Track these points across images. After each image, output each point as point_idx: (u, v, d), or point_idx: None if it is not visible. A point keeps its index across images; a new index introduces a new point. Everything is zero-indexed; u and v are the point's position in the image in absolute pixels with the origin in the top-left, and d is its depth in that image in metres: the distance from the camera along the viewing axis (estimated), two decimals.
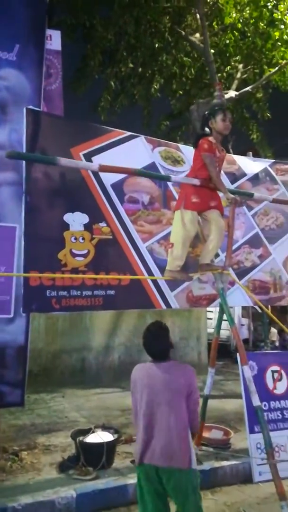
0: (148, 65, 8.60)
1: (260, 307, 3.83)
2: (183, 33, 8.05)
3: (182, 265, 3.57)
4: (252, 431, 3.90)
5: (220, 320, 4.06)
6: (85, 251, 3.45)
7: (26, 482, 3.46)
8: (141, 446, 2.36)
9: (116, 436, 3.96)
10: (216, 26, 8.28)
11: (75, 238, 3.44)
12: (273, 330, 10.21)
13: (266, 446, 2.78)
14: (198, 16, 7.33)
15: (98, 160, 3.71)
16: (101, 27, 7.80)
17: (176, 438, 2.30)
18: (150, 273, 3.67)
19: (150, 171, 3.85)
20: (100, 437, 3.82)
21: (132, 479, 3.52)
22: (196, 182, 3.51)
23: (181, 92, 9.23)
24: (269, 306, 4.79)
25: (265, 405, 4.06)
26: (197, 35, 8.05)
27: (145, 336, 2.52)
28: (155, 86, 8.91)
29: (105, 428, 4.09)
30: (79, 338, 7.56)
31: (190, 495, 2.30)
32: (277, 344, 10.19)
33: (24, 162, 3.35)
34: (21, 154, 3.27)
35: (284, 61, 6.80)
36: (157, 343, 2.49)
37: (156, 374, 2.41)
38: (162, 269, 3.68)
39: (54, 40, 4.14)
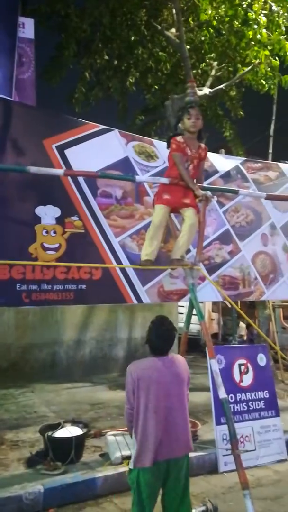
0: (123, 58, 8.52)
1: (229, 302, 3.92)
2: (159, 27, 8.02)
3: (150, 258, 3.54)
4: (218, 422, 4.00)
5: (189, 314, 4.13)
6: (56, 245, 3.42)
7: None
8: (154, 445, 2.33)
9: (85, 430, 3.97)
10: (192, 22, 8.30)
11: (47, 232, 3.40)
12: (242, 325, 10.46)
13: (231, 437, 2.86)
14: (174, 11, 7.32)
15: (71, 153, 3.67)
16: (76, 17, 7.65)
17: (187, 425, 2.47)
18: (122, 267, 3.68)
19: (113, 174, 3.77)
20: (69, 431, 3.82)
21: (100, 473, 3.55)
22: (165, 180, 3.56)
23: (156, 87, 9.21)
24: (239, 301, 4.91)
25: (231, 397, 4.18)
26: (173, 30, 8.04)
27: (159, 332, 2.51)
28: (131, 80, 8.85)
29: (74, 422, 4.09)
30: (50, 332, 7.48)
31: (188, 477, 2.48)
32: (245, 338, 10.45)
33: None
34: None
35: (257, 61, 6.90)
36: (170, 340, 2.55)
37: (165, 369, 2.46)
38: (134, 263, 3.69)
39: (27, 28, 4.05)
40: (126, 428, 2.58)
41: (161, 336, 2.51)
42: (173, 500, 2.45)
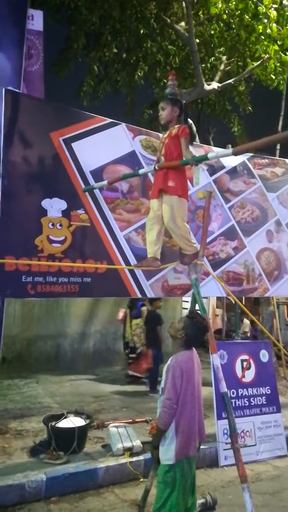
0: (132, 51, 8.46)
1: (233, 298, 3.93)
2: (169, 20, 7.96)
3: (151, 253, 3.49)
4: (220, 417, 4.03)
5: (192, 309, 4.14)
6: (62, 238, 3.44)
7: None
8: (195, 434, 2.51)
9: (88, 421, 4.02)
10: (201, 15, 8.22)
11: (53, 224, 3.42)
12: (246, 321, 10.45)
13: (231, 431, 2.88)
14: (184, 4, 7.25)
15: (78, 146, 3.68)
16: (85, 10, 7.61)
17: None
18: (127, 261, 3.70)
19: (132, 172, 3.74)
20: (72, 422, 3.87)
21: (101, 463, 3.60)
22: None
23: (165, 81, 9.16)
24: (243, 298, 4.91)
25: (233, 393, 4.20)
26: (183, 23, 7.98)
27: (200, 326, 2.62)
28: (139, 73, 8.79)
29: (77, 413, 4.14)
30: (55, 324, 7.55)
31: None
32: (248, 335, 10.44)
33: (1, 144, 3.29)
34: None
35: (266, 55, 6.83)
36: (205, 334, 2.72)
37: (198, 361, 2.65)
38: (139, 257, 3.71)
39: (36, 20, 4.04)
40: (160, 424, 2.48)
41: (201, 330, 2.63)
42: (188, 491, 2.53)
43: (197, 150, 4.50)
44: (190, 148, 3.41)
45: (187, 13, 7.02)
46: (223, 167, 4.67)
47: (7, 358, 6.93)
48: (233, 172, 4.74)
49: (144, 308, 6.82)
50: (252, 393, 4.35)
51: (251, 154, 5.29)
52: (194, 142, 3.69)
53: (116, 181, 3.63)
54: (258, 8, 6.29)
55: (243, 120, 9.74)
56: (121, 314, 7.00)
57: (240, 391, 4.28)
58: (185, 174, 3.53)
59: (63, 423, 3.86)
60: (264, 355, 4.58)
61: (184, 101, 3.63)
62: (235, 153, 2.61)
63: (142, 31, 8.14)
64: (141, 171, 3.57)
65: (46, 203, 3.42)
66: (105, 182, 3.57)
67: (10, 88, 3.45)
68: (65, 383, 6.59)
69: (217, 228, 4.39)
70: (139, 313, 6.79)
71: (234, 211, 4.58)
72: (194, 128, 3.82)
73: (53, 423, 3.82)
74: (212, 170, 4.58)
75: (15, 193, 3.32)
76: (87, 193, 3.64)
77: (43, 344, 7.39)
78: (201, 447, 3.85)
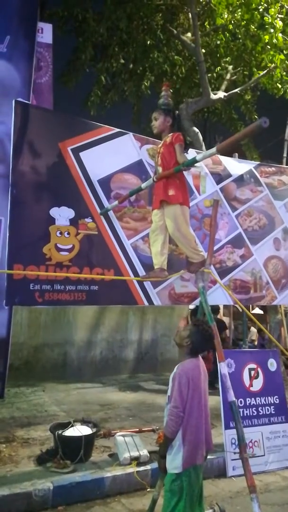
0: (139, 62, 8.58)
1: (240, 306, 3.92)
2: (175, 31, 8.07)
3: (158, 264, 3.48)
4: (227, 426, 4.00)
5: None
6: (70, 246, 3.47)
7: (3, 474, 3.47)
8: (203, 442, 2.47)
9: (94, 430, 4.00)
10: (208, 26, 8.33)
11: (61, 233, 3.45)
12: (253, 330, 10.39)
13: (239, 440, 2.86)
14: (190, 15, 7.35)
15: (86, 155, 3.73)
16: (93, 21, 7.76)
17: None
18: (134, 270, 3.71)
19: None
20: (78, 430, 3.86)
21: (108, 473, 3.58)
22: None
23: (171, 90, 9.26)
24: (250, 306, 4.89)
25: (241, 402, 4.16)
26: (189, 34, 8.08)
27: (206, 334, 2.62)
28: (146, 83, 8.91)
29: (84, 422, 4.13)
30: (62, 332, 7.56)
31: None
32: (255, 343, 10.37)
33: (11, 154, 3.34)
34: None
35: (272, 65, 6.89)
36: (212, 341, 2.74)
37: (204, 369, 2.63)
38: (146, 266, 3.72)
39: (46, 33, 4.13)
40: (167, 433, 2.45)
41: (207, 338, 2.63)
42: (195, 500, 2.50)
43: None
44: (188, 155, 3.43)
45: (193, 24, 7.12)
46: (230, 175, 4.69)
47: (14, 366, 6.94)
48: (240, 180, 4.75)
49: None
50: (260, 403, 4.31)
51: (258, 163, 5.31)
52: (200, 151, 3.72)
53: (125, 199, 3.67)
54: (264, 18, 6.36)
55: None
56: (183, 323, 7.14)
57: (248, 400, 4.24)
58: (184, 181, 3.55)
59: (70, 432, 3.85)
60: (272, 364, 4.55)
61: (177, 111, 3.67)
62: (219, 150, 2.61)
63: (148, 42, 8.26)
64: (143, 186, 3.58)
65: (54, 211, 3.46)
66: (116, 203, 3.64)
67: (20, 99, 3.51)
68: (71, 391, 6.58)
69: (224, 236, 4.39)
70: None
71: (241, 219, 4.58)
72: (188, 138, 3.86)
73: (60, 432, 3.82)
74: (219, 179, 4.60)
75: (24, 202, 3.36)
76: (94, 202, 3.68)
77: (50, 352, 7.40)
78: (209, 457, 3.83)
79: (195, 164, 3.12)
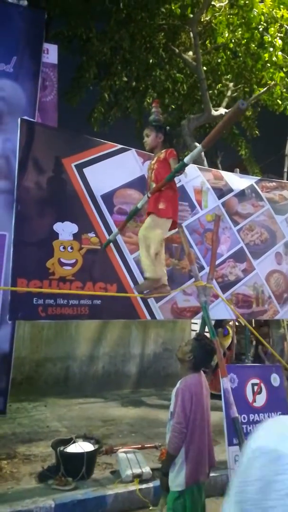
0: (142, 80, 8.76)
1: (242, 321, 3.91)
2: (177, 50, 8.25)
3: (149, 276, 3.41)
4: (230, 443, 3.93)
5: (202, 332, 4.12)
6: (73, 261, 3.50)
7: (4, 491, 3.44)
8: (205, 459, 2.47)
9: (96, 446, 3.97)
10: (209, 45, 8.51)
11: (64, 247, 3.49)
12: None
13: None
14: (191, 34, 7.53)
15: (89, 171, 3.79)
16: (97, 41, 7.94)
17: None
18: (136, 284, 3.72)
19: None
20: (80, 447, 3.82)
21: (110, 490, 3.53)
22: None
23: (173, 107, 9.41)
24: (253, 320, 4.88)
25: (244, 418, 4.10)
26: (190, 53, 8.25)
27: (208, 349, 2.65)
28: (148, 100, 9.07)
29: (86, 438, 4.10)
30: (64, 347, 7.53)
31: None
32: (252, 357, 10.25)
33: (16, 170, 3.41)
34: None
35: (272, 82, 7.00)
36: (213, 356, 2.79)
37: (206, 385, 2.64)
38: None
39: (51, 53, 4.24)
40: (170, 449, 2.43)
41: (209, 353, 2.66)
42: None
43: (205, 174, 4.59)
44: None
45: (194, 43, 7.28)
46: (231, 190, 4.74)
47: (16, 380, 6.90)
48: (241, 195, 4.80)
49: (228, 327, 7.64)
50: (263, 418, 4.25)
51: (259, 178, 5.37)
52: (202, 166, 3.77)
53: (124, 225, 3.67)
54: (264, 37, 6.50)
55: (250, 144, 9.90)
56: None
57: (251, 417, 4.19)
58: (176, 195, 3.57)
59: (72, 448, 3.82)
60: (275, 379, 4.50)
61: (168, 127, 3.72)
62: (205, 146, 2.69)
63: (151, 60, 8.44)
64: (139, 205, 3.59)
65: (57, 226, 3.50)
66: (116, 231, 3.65)
67: (25, 117, 3.59)
68: (73, 406, 6.53)
69: (226, 251, 4.41)
70: (227, 331, 7.71)
71: (243, 234, 4.61)
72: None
73: (61, 448, 3.79)
74: (221, 193, 4.65)
75: (28, 217, 3.41)
76: (97, 217, 3.72)
77: (52, 366, 7.36)
78: (212, 474, 3.78)
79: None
